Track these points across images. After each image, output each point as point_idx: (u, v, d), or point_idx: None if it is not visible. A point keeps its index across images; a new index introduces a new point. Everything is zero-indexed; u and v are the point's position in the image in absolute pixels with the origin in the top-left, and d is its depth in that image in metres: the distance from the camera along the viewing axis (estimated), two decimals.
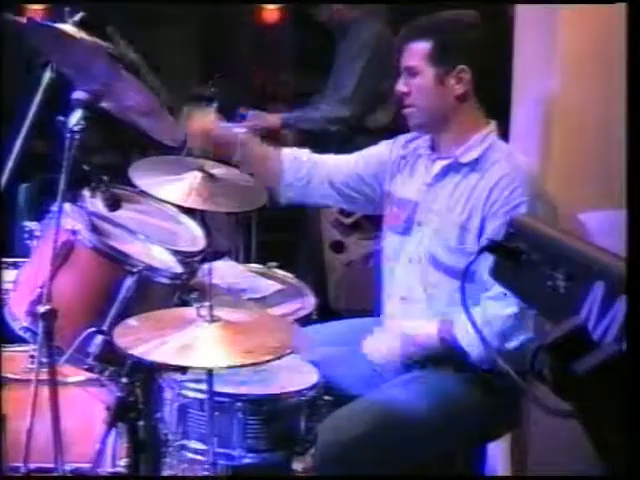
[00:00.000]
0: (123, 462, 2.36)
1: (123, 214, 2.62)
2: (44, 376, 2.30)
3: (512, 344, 2.46)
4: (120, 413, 2.30)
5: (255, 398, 2.36)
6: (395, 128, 2.95)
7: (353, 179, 2.86)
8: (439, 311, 2.60)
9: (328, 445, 2.40)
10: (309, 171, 2.89)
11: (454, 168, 2.62)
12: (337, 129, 4.19)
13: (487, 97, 2.66)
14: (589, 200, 2.77)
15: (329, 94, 4.34)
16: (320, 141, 4.16)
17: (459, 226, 2.56)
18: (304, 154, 2.93)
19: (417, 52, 2.60)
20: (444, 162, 2.65)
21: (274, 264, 3.06)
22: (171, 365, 2.13)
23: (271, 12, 5.33)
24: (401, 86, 2.65)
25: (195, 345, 2.10)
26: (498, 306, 2.46)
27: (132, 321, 2.23)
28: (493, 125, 2.66)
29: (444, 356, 2.60)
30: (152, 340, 2.10)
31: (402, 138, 2.81)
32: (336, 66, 4.38)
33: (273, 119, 4.32)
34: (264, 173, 2.83)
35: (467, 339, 2.49)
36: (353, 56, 4.26)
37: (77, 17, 2.65)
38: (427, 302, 2.64)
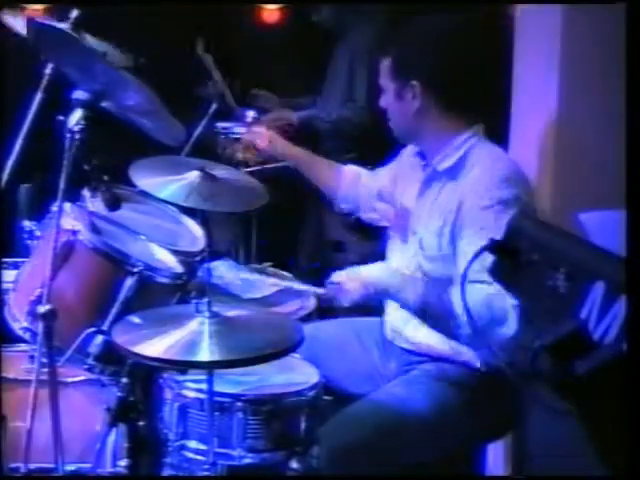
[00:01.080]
0: (123, 462, 2.35)
1: (123, 214, 2.62)
2: (44, 376, 2.30)
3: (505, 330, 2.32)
4: (120, 413, 2.30)
5: (255, 398, 2.36)
6: None
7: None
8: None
9: (332, 449, 2.39)
10: (360, 187, 2.92)
11: (435, 177, 2.61)
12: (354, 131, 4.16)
13: (468, 104, 2.60)
14: (589, 200, 2.77)
15: (336, 96, 4.29)
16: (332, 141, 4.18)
17: (436, 234, 2.54)
18: (362, 171, 2.98)
19: (383, 69, 2.62)
20: (428, 171, 2.64)
21: (269, 264, 3.06)
22: (169, 361, 2.12)
23: (271, 12, 5.32)
24: (381, 102, 2.66)
25: (194, 341, 2.09)
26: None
27: (131, 318, 2.23)
28: (475, 129, 2.60)
29: (446, 356, 2.60)
30: (151, 337, 2.10)
31: (409, 148, 2.78)
32: (337, 67, 4.34)
33: (292, 116, 4.32)
34: (324, 182, 3.02)
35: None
36: (359, 59, 4.21)
37: (77, 17, 2.66)
38: None
